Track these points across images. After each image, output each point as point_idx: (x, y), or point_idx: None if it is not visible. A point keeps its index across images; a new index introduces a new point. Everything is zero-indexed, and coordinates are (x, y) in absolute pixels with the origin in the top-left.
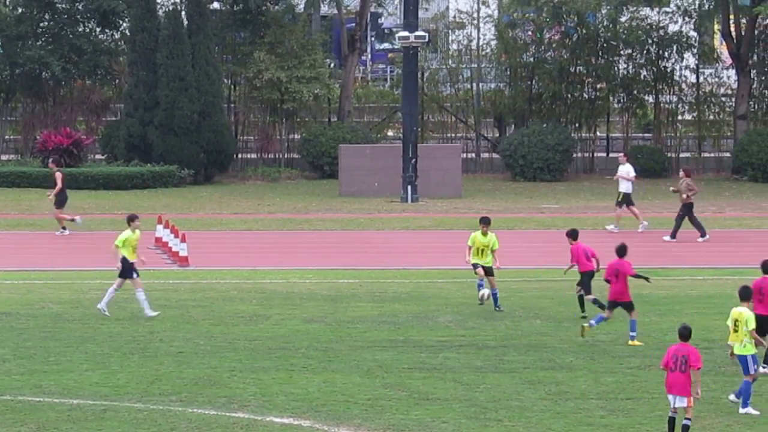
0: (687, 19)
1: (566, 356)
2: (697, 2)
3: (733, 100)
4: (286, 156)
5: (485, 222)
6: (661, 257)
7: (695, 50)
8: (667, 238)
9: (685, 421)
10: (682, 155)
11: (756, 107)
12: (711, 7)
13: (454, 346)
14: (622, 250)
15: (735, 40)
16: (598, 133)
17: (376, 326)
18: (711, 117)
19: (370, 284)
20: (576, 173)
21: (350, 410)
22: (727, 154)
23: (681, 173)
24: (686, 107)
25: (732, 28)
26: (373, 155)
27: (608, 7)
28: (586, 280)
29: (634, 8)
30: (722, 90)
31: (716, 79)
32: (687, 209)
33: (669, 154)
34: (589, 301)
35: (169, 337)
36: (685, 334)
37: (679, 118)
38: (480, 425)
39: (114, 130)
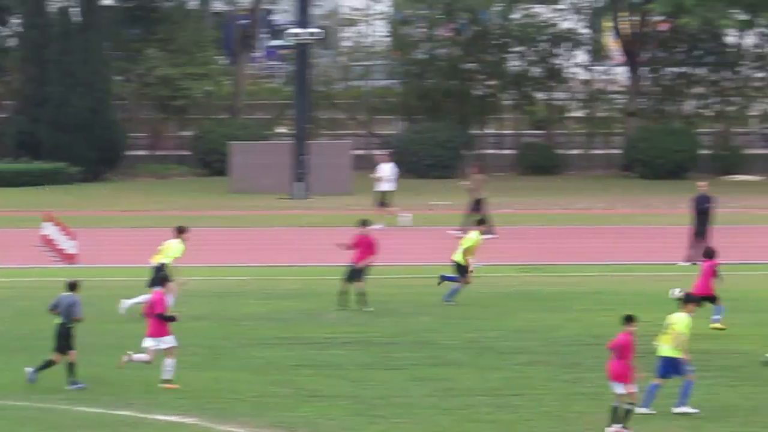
0: (579, 16)
1: (453, 353)
2: (589, 0)
3: (624, 97)
4: (176, 153)
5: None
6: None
7: (587, 47)
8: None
9: (625, 406)
10: (572, 152)
11: (646, 104)
12: (603, 4)
13: (342, 342)
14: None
15: (626, 38)
16: (489, 130)
17: (264, 323)
18: (601, 114)
19: (258, 281)
20: (467, 170)
21: (237, 407)
22: (618, 151)
23: (472, 169)
24: (577, 104)
25: (623, 26)
26: (263, 152)
27: (501, 5)
28: None
29: (527, 5)
30: (613, 87)
31: (607, 76)
32: (476, 205)
33: (560, 151)
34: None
35: None
36: (627, 320)
37: (570, 115)
38: (367, 422)
39: (4, 127)
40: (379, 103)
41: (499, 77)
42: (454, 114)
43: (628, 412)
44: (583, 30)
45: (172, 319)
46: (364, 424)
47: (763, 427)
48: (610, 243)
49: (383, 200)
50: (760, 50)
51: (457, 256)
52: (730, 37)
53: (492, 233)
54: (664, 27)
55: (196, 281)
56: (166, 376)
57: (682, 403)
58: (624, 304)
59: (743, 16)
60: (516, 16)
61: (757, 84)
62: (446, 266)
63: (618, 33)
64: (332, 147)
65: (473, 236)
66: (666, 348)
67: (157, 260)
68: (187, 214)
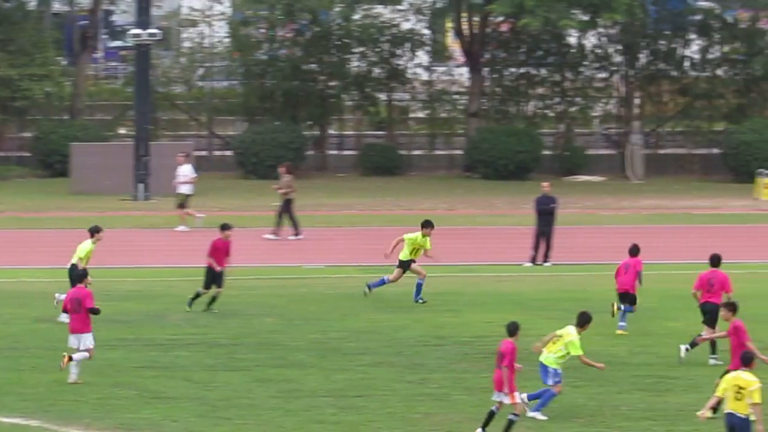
0: (420, 16)
1: (297, 354)
2: (429, 0)
3: (466, 97)
4: (17, 154)
5: (430, 226)
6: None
7: (428, 48)
8: (270, 236)
9: (510, 416)
10: (414, 152)
11: (488, 105)
12: (444, 5)
13: (185, 344)
14: None
15: (467, 38)
16: (331, 131)
17: (106, 325)
18: (443, 114)
19: (100, 282)
20: (308, 171)
21: (80, 410)
22: (460, 152)
23: (281, 169)
24: (419, 105)
25: (464, 26)
26: (105, 153)
27: (341, 5)
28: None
29: (368, 6)
30: (454, 87)
31: (449, 77)
32: (286, 205)
33: (402, 152)
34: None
35: None
36: (510, 329)
37: (412, 115)
38: (211, 424)
39: None
40: (220, 104)
41: (341, 78)
42: (296, 115)
43: (511, 422)
44: (425, 31)
45: (96, 312)
46: (208, 426)
47: (606, 427)
48: (453, 244)
49: (181, 202)
50: (601, 51)
51: (402, 255)
52: (572, 38)
53: (296, 234)
54: (505, 28)
55: (39, 283)
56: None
57: (537, 408)
58: (468, 305)
59: (584, 17)
60: (357, 16)
61: (598, 84)
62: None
63: (459, 34)
64: (174, 148)
65: (412, 236)
66: (545, 355)
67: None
68: (28, 215)
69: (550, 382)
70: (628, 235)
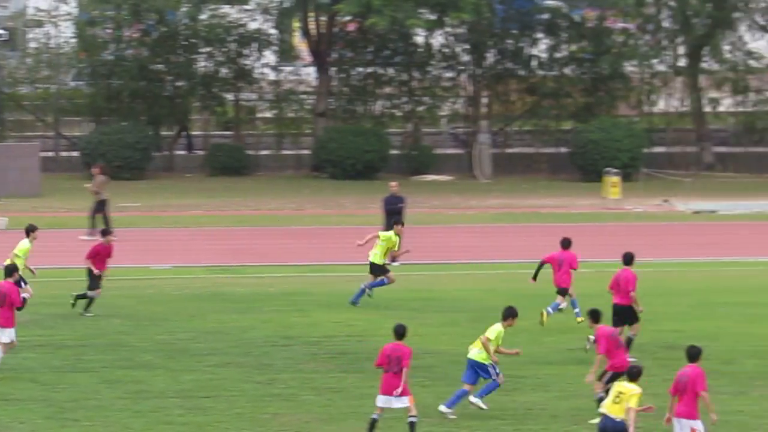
0: (267, 16)
1: (145, 355)
2: (276, 0)
3: (313, 97)
4: None
5: (401, 224)
6: (235, 254)
7: (275, 48)
8: (85, 237)
9: (411, 419)
10: (262, 152)
11: (335, 105)
12: (290, 4)
13: (32, 345)
14: None
15: (314, 38)
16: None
17: None
18: (291, 114)
19: None
20: (156, 171)
21: None
22: (307, 152)
23: (95, 170)
24: (266, 105)
25: (311, 26)
26: None
27: (188, 5)
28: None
29: (214, 6)
30: (302, 87)
31: (296, 77)
32: (100, 205)
33: (249, 152)
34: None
35: None
36: (399, 332)
37: (259, 115)
38: (58, 425)
39: None
40: (67, 104)
41: (188, 78)
42: (143, 115)
43: (413, 424)
44: (272, 30)
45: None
46: (56, 428)
47: (455, 426)
48: (301, 244)
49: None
50: (448, 50)
51: (374, 257)
52: (419, 37)
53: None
54: (352, 27)
55: None
56: None
57: (480, 395)
58: (316, 305)
59: (431, 16)
60: (204, 16)
61: (446, 84)
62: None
63: (306, 33)
64: (20, 149)
65: (388, 234)
66: (476, 352)
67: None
68: None
69: (489, 375)
70: (476, 235)
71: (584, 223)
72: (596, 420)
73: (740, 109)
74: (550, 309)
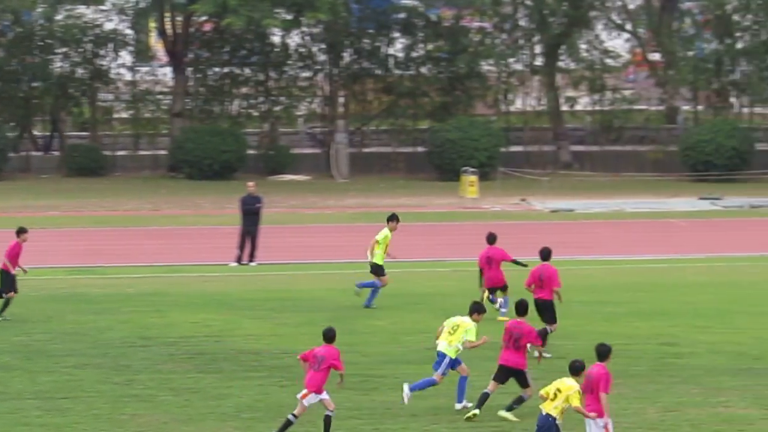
0: (123, 17)
1: (2, 356)
2: (132, 0)
3: (170, 97)
4: None
5: (396, 219)
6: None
7: (131, 48)
8: None
9: (328, 413)
10: (119, 153)
11: (192, 105)
12: (146, 5)
13: None
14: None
15: (170, 38)
16: (36, 132)
17: None
18: (147, 115)
19: None
20: (12, 172)
21: None
22: (164, 152)
23: None
24: (123, 105)
25: (168, 26)
26: None
27: (44, 6)
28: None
29: (70, 6)
30: (158, 88)
31: (152, 77)
32: None
33: (106, 153)
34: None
35: None
36: (329, 335)
37: (116, 116)
38: None
39: None
40: None
41: (44, 79)
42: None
43: (329, 417)
44: (128, 31)
45: None
46: None
47: (314, 427)
48: (158, 244)
49: None
50: (305, 50)
51: (377, 258)
52: (276, 37)
53: None
54: (208, 27)
55: None
56: None
57: (460, 401)
58: (173, 306)
59: (288, 16)
60: (59, 17)
61: (302, 84)
62: None
63: (162, 34)
64: None
65: (383, 234)
66: (445, 345)
67: None
68: None
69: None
70: (334, 234)
71: (442, 222)
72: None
73: (597, 107)
74: (502, 310)
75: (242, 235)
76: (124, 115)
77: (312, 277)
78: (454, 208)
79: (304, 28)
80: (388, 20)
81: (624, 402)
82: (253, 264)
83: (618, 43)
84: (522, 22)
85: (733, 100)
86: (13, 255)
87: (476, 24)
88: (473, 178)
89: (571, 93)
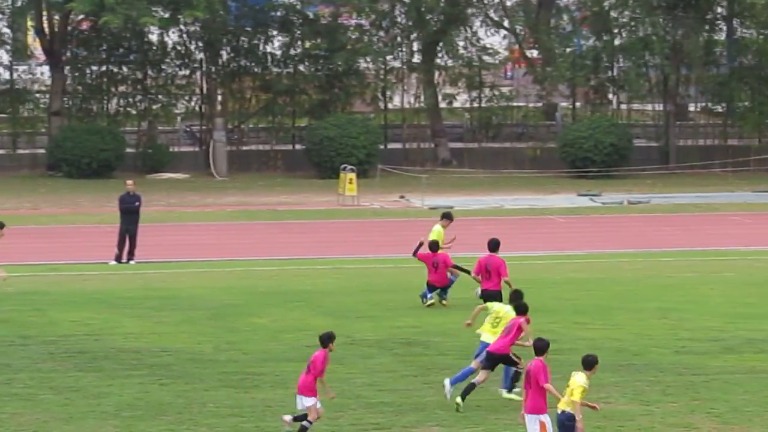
0: (0, 15)
1: None
2: None
3: (47, 96)
4: None
5: (450, 218)
6: None
7: (8, 47)
8: None
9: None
10: None
11: (70, 103)
12: (24, 3)
13: None
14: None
15: (48, 37)
16: None
17: None
18: (25, 114)
19: None
20: None
21: None
22: (42, 151)
23: None
24: (0, 104)
25: (45, 24)
26: None
27: None
28: None
29: None
30: (36, 86)
31: (30, 76)
32: None
33: None
34: None
35: None
36: (323, 339)
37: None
38: None
39: None
40: None
41: None
42: None
43: (305, 429)
44: (5, 29)
45: None
46: None
47: (194, 425)
48: (37, 243)
49: None
50: (182, 48)
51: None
52: (153, 35)
53: None
54: (86, 26)
55: None
56: None
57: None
58: (53, 304)
59: (165, 14)
60: None
61: (180, 82)
62: None
63: (40, 32)
64: None
65: (436, 230)
66: (489, 337)
67: None
68: None
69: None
70: (213, 232)
71: (321, 220)
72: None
73: (475, 104)
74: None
75: (121, 233)
76: (2, 114)
77: (191, 276)
78: (333, 205)
79: (182, 26)
80: (265, 18)
81: (505, 399)
82: (132, 262)
83: (496, 40)
84: (399, 19)
85: (611, 96)
86: None
87: (354, 21)
88: (352, 175)
89: (449, 90)
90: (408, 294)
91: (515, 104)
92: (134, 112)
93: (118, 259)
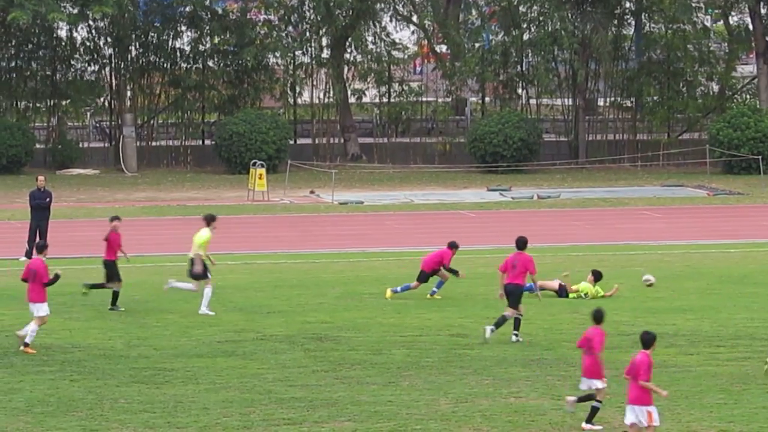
0: None
1: None
2: None
3: None
4: None
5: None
6: None
7: None
8: None
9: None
10: None
11: None
12: None
13: None
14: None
15: None
16: None
17: None
18: None
19: None
20: None
21: None
22: None
23: None
24: None
25: None
26: None
27: None
28: None
29: None
30: None
31: None
32: None
33: None
34: None
35: None
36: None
37: None
38: None
39: None
40: None
41: None
42: None
43: (596, 409)
44: None
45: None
46: None
47: (105, 420)
48: None
49: None
50: (91, 44)
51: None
52: (62, 31)
53: None
54: None
55: None
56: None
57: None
58: None
59: (74, 10)
60: None
61: (89, 78)
62: None
63: None
64: None
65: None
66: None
67: None
68: None
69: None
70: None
71: (231, 216)
72: None
73: (385, 100)
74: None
75: (32, 229)
76: None
77: (102, 271)
78: (243, 201)
79: (91, 22)
80: (174, 14)
81: (416, 393)
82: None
83: (405, 35)
84: (308, 15)
85: (520, 91)
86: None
87: (262, 17)
88: (262, 171)
89: (358, 85)
90: (319, 289)
91: (424, 99)
92: (43, 108)
93: (29, 255)
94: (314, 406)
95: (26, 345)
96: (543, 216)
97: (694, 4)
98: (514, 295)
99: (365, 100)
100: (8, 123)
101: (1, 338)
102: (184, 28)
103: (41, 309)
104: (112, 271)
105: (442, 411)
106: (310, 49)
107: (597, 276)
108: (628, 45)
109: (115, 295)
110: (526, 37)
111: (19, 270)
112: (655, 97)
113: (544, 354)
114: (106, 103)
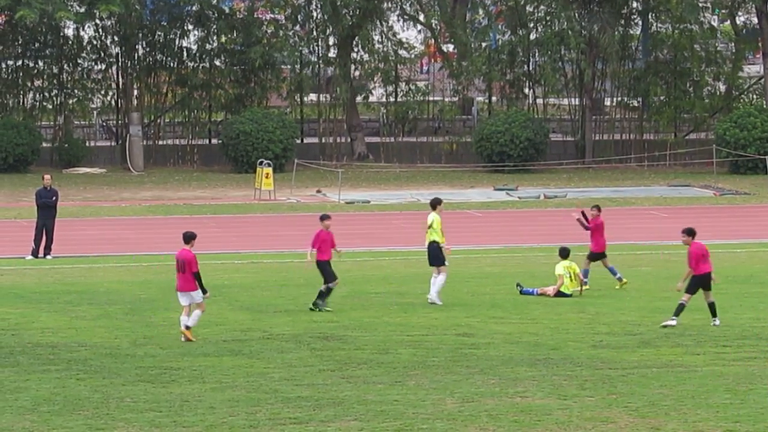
0: None
1: None
2: None
3: None
4: None
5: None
6: None
7: None
8: None
9: None
10: None
11: None
12: None
13: None
14: None
15: None
16: None
17: None
18: None
19: None
20: None
21: None
22: None
23: None
24: None
25: None
26: None
27: None
28: None
29: None
30: None
31: None
32: None
33: None
34: None
35: None
36: None
37: None
38: None
39: None
40: None
41: None
42: None
43: None
44: None
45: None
46: None
47: (111, 419)
48: None
49: None
50: (98, 42)
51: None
52: (69, 30)
53: None
54: (1, 20)
55: None
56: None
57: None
58: None
59: (81, 9)
60: None
61: (96, 76)
62: None
63: None
64: None
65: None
66: None
67: None
68: None
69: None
70: (130, 227)
71: (238, 215)
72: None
73: (391, 99)
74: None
75: (38, 228)
76: None
77: (108, 270)
78: (249, 200)
79: (98, 21)
80: (181, 12)
81: (422, 392)
82: (49, 257)
83: (411, 35)
84: (315, 14)
85: (527, 91)
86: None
87: (269, 16)
88: (268, 170)
89: (365, 84)
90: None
91: (431, 99)
92: (50, 106)
93: (35, 253)
94: (320, 406)
95: (188, 328)
96: (550, 215)
97: (701, 4)
98: None
99: (372, 99)
100: (15, 122)
101: (6, 337)
102: (191, 26)
103: (196, 296)
104: (327, 271)
105: (448, 410)
106: (316, 48)
107: (564, 254)
108: (634, 45)
109: (328, 292)
110: (533, 36)
111: (25, 269)
112: (661, 97)
113: (551, 354)
114: (113, 102)
